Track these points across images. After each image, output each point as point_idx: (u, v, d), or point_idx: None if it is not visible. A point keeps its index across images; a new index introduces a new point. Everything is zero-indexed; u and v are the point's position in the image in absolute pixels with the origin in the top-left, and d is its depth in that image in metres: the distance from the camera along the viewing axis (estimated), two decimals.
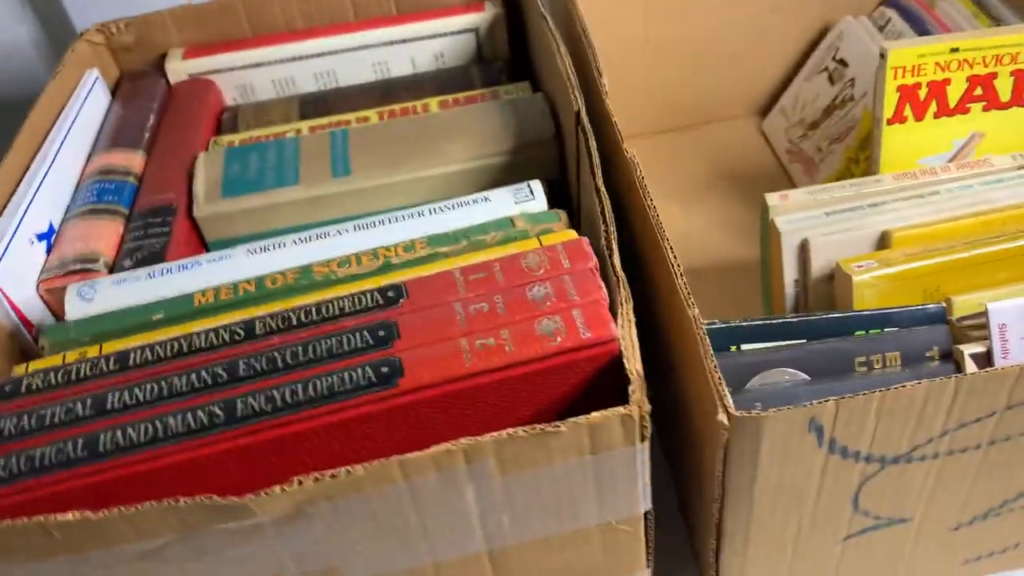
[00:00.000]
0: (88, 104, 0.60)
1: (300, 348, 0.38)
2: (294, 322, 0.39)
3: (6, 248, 0.48)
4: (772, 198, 0.55)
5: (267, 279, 0.43)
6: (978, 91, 0.54)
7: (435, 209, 0.47)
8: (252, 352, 0.38)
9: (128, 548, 0.35)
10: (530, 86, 0.61)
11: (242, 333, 0.39)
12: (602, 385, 0.39)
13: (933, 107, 0.54)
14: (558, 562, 0.42)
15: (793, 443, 0.37)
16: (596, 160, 0.46)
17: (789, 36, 0.75)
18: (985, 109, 0.55)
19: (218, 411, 0.36)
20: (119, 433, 0.36)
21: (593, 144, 0.47)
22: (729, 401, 0.36)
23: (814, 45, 0.75)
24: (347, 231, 0.46)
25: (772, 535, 0.42)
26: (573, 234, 0.43)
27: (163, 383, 0.37)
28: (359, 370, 0.36)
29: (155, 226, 0.52)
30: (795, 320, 0.47)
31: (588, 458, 0.36)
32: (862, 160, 0.67)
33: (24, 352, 0.48)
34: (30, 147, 0.55)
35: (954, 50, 0.52)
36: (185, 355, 0.39)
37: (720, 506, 0.41)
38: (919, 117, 0.55)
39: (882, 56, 0.53)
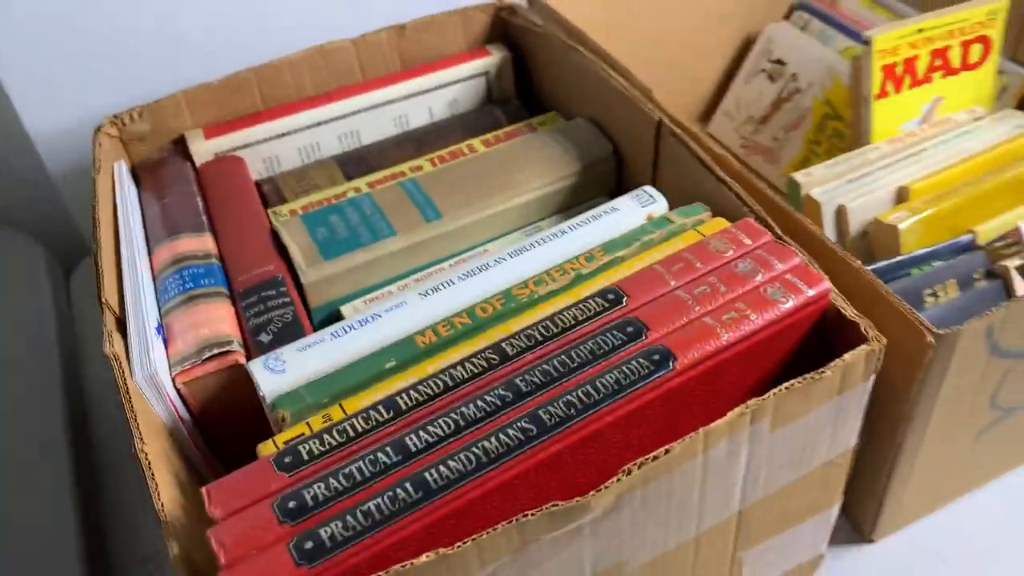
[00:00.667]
0: (130, 197, 0.58)
1: (565, 356, 0.40)
2: (539, 338, 0.42)
3: (149, 347, 0.46)
4: (800, 176, 0.64)
5: (477, 308, 0.44)
6: (937, 62, 0.65)
7: (573, 226, 0.51)
8: (519, 370, 0.40)
9: None
10: (559, 115, 0.66)
11: (497, 358, 0.41)
12: (808, 339, 0.44)
13: (907, 80, 0.65)
14: (786, 506, 0.46)
15: (973, 350, 0.45)
16: (706, 156, 0.52)
17: (716, 49, 0.85)
18: (943, 76, 0.66)
19: (528, 425, 0.37)
20: (442, 468, 0.36)
21: (695, 145, 0.52)
22: (931, 325, 0.43)
23: (739, 53, 0.85)
24: (504, 259, 0.49)
25: (937, 442, 0.49)
26: (724, 222, 0.48)
27: (455, 415, 0.38)
28: (634, 362, 0.39)
29: (272, 299, 0.52)
30: (869, 270, 0.55)
31: (834, 400, 0.42)
32: (822, 140, 0.77)
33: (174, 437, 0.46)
34: (109, 244, 0.52)
35: (920, 30, 0.63)
36: (453, 389, 0.40)
37: (905, 424, 0.47)
38: (897, 90, 0.65)
39: (866, 43, 0.63)
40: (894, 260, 0.57)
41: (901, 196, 0.62)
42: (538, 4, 0.70)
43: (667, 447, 0.37)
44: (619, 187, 0.62)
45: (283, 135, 0.64)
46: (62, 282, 0.81)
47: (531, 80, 0.70)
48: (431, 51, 0.68)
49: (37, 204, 0.83)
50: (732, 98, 0.84)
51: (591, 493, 0.36)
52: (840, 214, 0.62)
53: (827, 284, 0.43)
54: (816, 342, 0.45)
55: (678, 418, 0.41)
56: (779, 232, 0.46)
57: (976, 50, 0.66)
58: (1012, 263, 0.56)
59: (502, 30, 0.70)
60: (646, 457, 0.37)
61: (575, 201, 0.61)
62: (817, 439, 0.43)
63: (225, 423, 0.49)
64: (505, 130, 0.65)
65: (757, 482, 0.43)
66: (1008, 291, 0.55)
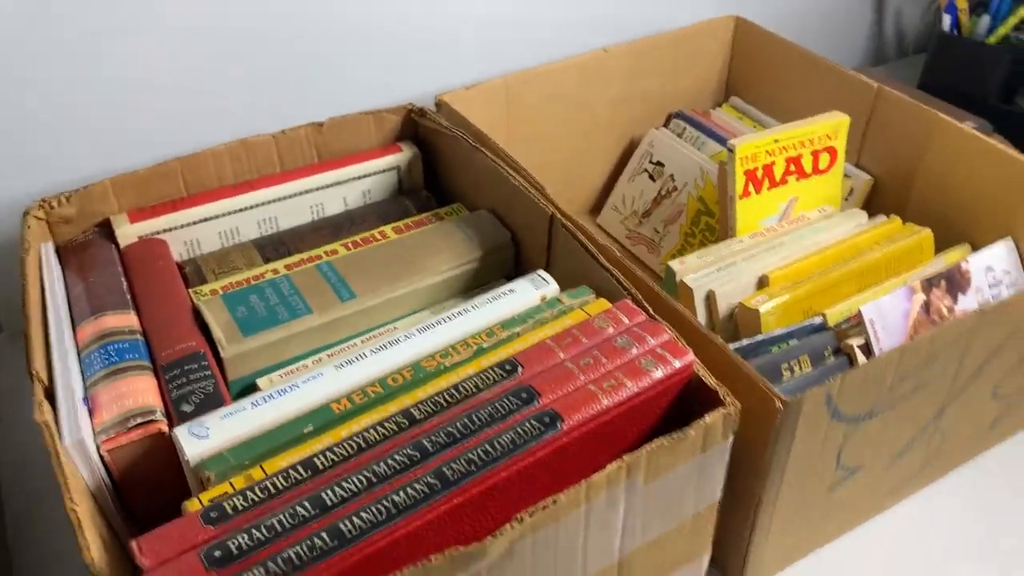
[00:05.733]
0: (56, 276, 0.61)
1: (467, 419, 0.45)
2: (443, 404, 0.47)
3: (76, 415, 0.49)
4: (675, 264, 0.72)
5: (388, 378, 0.49)
6: (792, 167, 0.75)
7: (475, 305, 0.57)
8: (427, 431, 0.45)
9: None
10: (463, 207, 0.72)
11: (406, 422, 0.46)
12: (677, 404, 0.51)
13: (766, 183, 0.75)
14: (660, 557, 0.52)
15: (815, 414, 0.52)
16: (591, 246, 0.59)
17: (605, 150, 0.94)
18: (797, 179, 0.76)
19: (433, 480, 0.42)
20: (355, 519, 0.41)
21: (581, 236, 0.60)
22: (778, 391, 0.50)
23: (623, 156, 0.95)
24: (412, 335, 0.54)
25: (793, 498, 0.56)
26: (606, 303, 0.55)
27: (367, 473, 0.43)
28: (527, 423, 0.45)
29: (194, 372, 0.56)
30: (733, 347, 0.63)
31: (698, 457, 0.48)
32: (696, 233, 0.86)
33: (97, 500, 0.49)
34: (37, 319, 0.55)
35: (776, 140, 0.73)
36: (365, 450, 0.45)
37: (763, 481, 0.54)
38: (757, 191, 0.75)
39: (731, 150, 0.72)
40: (756, 339, 0.65)
41: (762, 283, 0.71)
42: (446, 108, 0.78)
43: (554, 498, 0.43)
44: (516, 271, 0.69)
45: (204, 220, 0.69)
46: None
47: (438, 174, 0.77)
48: (347, 147, 0.75)
49: None
50: (618, 194, 0.93)
51: (487, 538, 0.41)
52: (710, 298, 0.70)
53: (691, 356, 0.50)
54: (682, 408, 0.51)
55: (566, 474, 0.47)
56: (651, 312, 0.53)
57: (824, 158, 0.76)
58: (855, 342, 0.65)
59: (413, 129, 0.77)
60: (536, 507, 0.42)
61: (476, 283, 0.67)
62: (685, 492, 0.49)
63: (145, 488, 0.52)
64: (414, 219, 0.71)
65: (634, 531, 0.49)
66: (852, 366, 0.64)
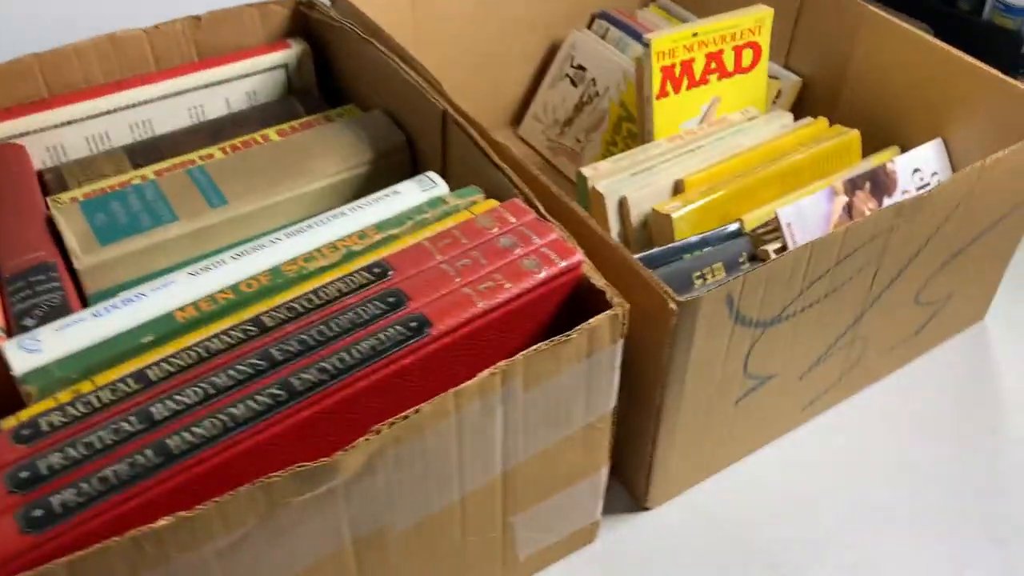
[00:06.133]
0: None
1: (324, 326, 0.41)
2: (300, 310, 0.42)
3: None
4: (587, 170, 0.67)
5: (242, 284, 0.45)
6: (713, 64, 0.70)
7: (354, 207, 0.52)
8: (278, 339, 0.40)
9: (212, 547, 0.36)
10: (356, 107, 0.67)
11: (255, 329, 0.41)
12: (564, 307, 0.47)
13: (685, 81, 0.70)
14: (551, 470, 0.48)
15: (716, 317, 0.48)
16: (484, 143, 0.54)
17: (522, 53, 0.88)
18: (719, 78, 0.71)
19: (279, 391, 0.38)
20: (185, 434, 0.36)
21: (474, 132, 0.55)
22: (673, 293, 0.46)
23: (546, 59, 0.89)
24: (280, 239, 0.49)
25: (696, 407, 0.53)
26: (495, 202, 0.50)
27: (205, 384, 0.38)
28: (392, 328, 0.41)
29: (42, 283, 0.50)
30: (640, 256, 0.59)
31: (584, 362, 0.44)
32: (618, 141, 0.81)
33: None
34: None
35: (695, 34, 0.68)
36: (207, 359, 0.40)
37: (662, 388, 0.50)
38: (676, 90, 0.70)
39: (646, 45, 0.67)
40: (667, 247, 0.61)
41: (677, 188, 0.67)
42: (341, 1, 0.71)
43: (417, 408, 0.39)
44: (414, 176, 0.64)
45: (68, 123, 0.62)
46: None
47: (332, 74, 0.71)
48: (229, 43, 0.68)
49: None
50: (540, 102, 0.88)
51: (338, 453, 0.37)
52: (623, 205, 0.65)
53: (579, 257, 0.45)
54: (575, 313, 0.47)
55: (442, 384, 0.43)
56: (542, 211, 0.49)
57: (747, 55, 0.72)
58: (771, 247, 0.61)
59: (303, 24, 0.70)
60: (396, 417, 0.38)
61: (370, 190, 0.61)
62: (572, 400, 0.46)
63: None
64: (301, 121, 0.65)
65: (517, 443, 0.45)
66: None
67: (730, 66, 0.71)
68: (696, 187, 0.66)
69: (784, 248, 0.61)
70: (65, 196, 0.58)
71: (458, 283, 0.43)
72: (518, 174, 0.52)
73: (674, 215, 0.63)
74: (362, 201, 0.52)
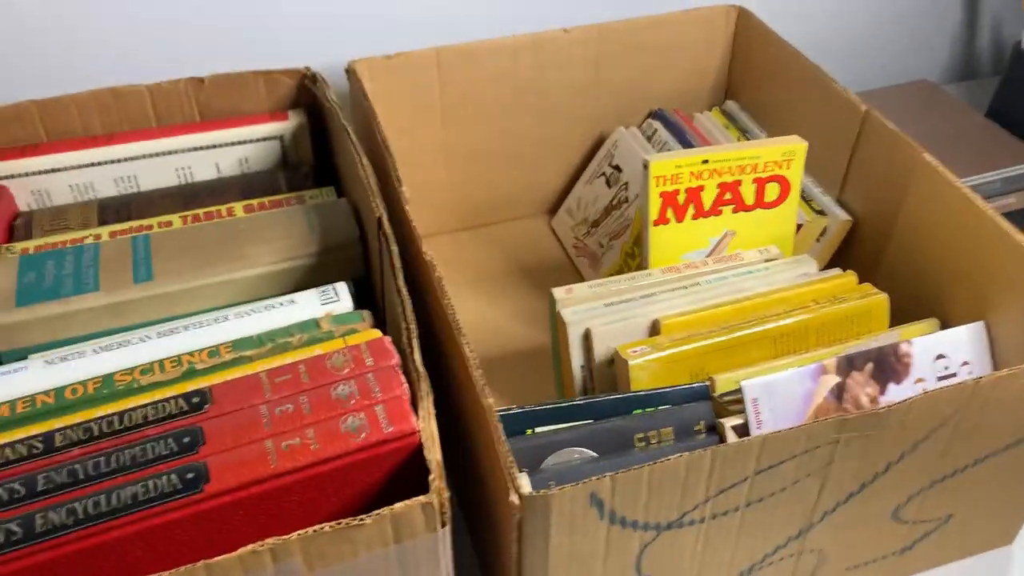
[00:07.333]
0: None
1: (102, 459, 0.38)
2: (96, 433, 0.40)
3: None
4: (559, 292, 0.61)
5: (66, 389, 0.43)
6: (727, 196, 0.62)
7: (241, 313, 0.49)
8: (52, 465, 0.38)
9: None
10: (335, 191, 0.64)
11: (40, 447, 0.39)
12: (407, 477, 0.42)
13: (691, 210, 0.62)
14: None
15: (578, 516, 0.41)
16: (397, 263, 0.49)
17: (569, 143, 0.82)
18: (734, 211, 0.63)
19: (15, 528, 0.35)
20: None
21: (395, 248, 0.50)
22: (520, 482, 0.40)
23: (593, 151, 0.83)
24: (151, 337, 0.47)
25: None
26: (377, 333, 0.46)
27: None
28: (164, 477, 0.37)
29: None
30: (581, 403, 0.52)
31: (392, 548, 0.39)
32: (637, 254, 0.74)
33: None
34: None
35: (705, 161, 0.61)
36: None
37: None
38: (680, 219, 0.63)
39: (645, 167, 0.60)
40: (621, 395, 0.54)
41: (653, 329, 0.59)
42: (354, 78, 0.69)
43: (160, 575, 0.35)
44: (369, 274, 0.60)
45: (55, 170, 0.64)
46: None
47: (330, 150, 0.69)
48: (232, 108, 0.67)
49: None
50: (575, 196, 0.82)
51: None
52: (587, 338, 0.59)
53: (413, 426, 0.40)
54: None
55: (220, 542, 0.39)
56: (415, 358, 0.44)
57: (773, 189, 0.63)
58: (729, 421, 0.53)
59: (310, 97, 0.69)
60: None
61: (315, 283, 0.58)
62: None
63: None
64: (272, 198, 0.63)
65: None
66: None
67: (749, 199, 0.63)
68: (671, 332, 0.59)
69: (746, 426, 0.52)
70: (19, 246, 0.59)
71: (264, 433, 0.39)
72: (430, 296, 0.48)
73: (631, 362, 0.56)
74: (255, 305, 0.49)
